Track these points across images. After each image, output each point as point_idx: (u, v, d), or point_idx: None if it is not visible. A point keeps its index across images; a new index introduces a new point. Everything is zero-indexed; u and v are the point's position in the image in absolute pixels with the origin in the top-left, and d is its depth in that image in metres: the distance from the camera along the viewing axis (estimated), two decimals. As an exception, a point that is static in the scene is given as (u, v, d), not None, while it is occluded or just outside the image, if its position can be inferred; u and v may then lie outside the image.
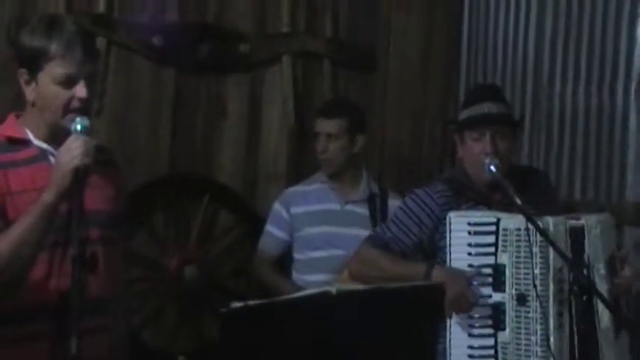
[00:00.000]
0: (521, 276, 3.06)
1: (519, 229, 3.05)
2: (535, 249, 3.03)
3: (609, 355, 3.07)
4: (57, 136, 2.55)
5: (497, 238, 3.10)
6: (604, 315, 3.06)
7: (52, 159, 2.55)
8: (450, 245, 3.15)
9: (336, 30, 4.86)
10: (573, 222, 3.12)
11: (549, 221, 3.06)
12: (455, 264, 3.14)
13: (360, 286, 2.94)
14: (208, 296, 4.48)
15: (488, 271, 3.11)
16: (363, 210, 4.22)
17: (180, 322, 4.46)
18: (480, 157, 3.22)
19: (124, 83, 4.43)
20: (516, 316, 3.06)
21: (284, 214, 4.25)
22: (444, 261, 3.16)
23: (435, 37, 5.04)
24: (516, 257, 3.07)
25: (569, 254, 3.00)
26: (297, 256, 4.24)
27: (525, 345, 3.05)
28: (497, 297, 3.09)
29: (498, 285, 3.09)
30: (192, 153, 4.60)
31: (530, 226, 2.98)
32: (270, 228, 4.28)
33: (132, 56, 4.45)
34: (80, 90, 2.52)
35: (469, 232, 3.13)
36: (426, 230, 3.28)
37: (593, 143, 4.33)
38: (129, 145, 4.39)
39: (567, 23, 4.48)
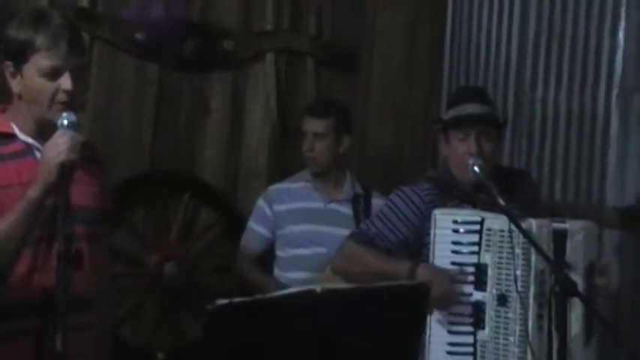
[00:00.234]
0: (503, 276, 3.06)
1: (503, 230, 3.06)
2: (518, 250, 3.03)
3: (576, 360, 3.10)
4: (43, 130, 2.55)
5: (480, 238, 3.11)
6: (576, 322, 3.08)
7: (37, 154, 2.55)
8: (434, 242, 3.15)
9: (320, 29, 4.88)
10: (557, 225, 3.13)
11: (532, 223, 3.07)
12: (438, 261, 3.14)
13: (344, 285, 2.94)
14: (188, 293, 4.47)
15: (471, 269, 3.11)
16: (346, 209, 4.23)
17: (160, 318, 4.45)
18: (465, 157, 3.23)
19: (107, 79, 4.42)
20: (496, 316, 3.07)
21: (267, 211, 4.25)
22: (428, 257, 3.17)
23: (419, 38, 5.06)
24: (499, 257, 3.07)
25: (551, 257, 3.00)
26: (279, 253, 4.25)
27: (504, 345, 3.06)
28: (478, 296, 3.10)
29: (480, 284, 3.10)
30: (175, 149, 4.60)
31: (513, 227, 2.98)
32: (253, 225, 4.29)
33: (115, 52, 4.45)
34: (65, 82, 2.51)
35: (454, 230, 3.14)
36: (412, 227, 3.29)
37: (575, 147, 4.33)
38: (111, 140, 4.40)
39: (550, 27, 4.49)
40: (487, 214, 3.13)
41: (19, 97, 2.57)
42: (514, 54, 4.65)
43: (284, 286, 3.95)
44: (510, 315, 3.05)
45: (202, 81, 4.66)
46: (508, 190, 3.14)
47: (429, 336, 3.12)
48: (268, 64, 4.75)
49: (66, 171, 2.40)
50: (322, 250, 4.08)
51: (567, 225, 3.14)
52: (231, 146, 4.73)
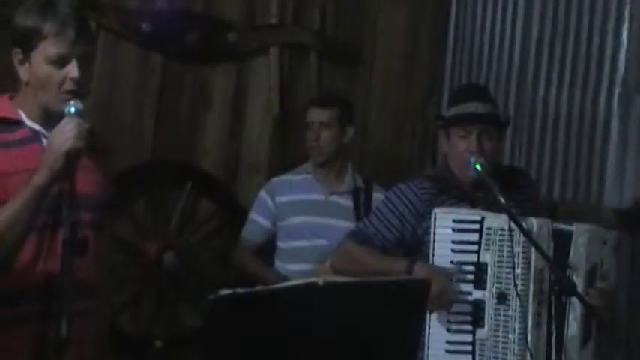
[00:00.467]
0: (503, 275, 3.09)
1: (503, 229, 3.08)
2: (517, 249, 3.06)
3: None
4: (50, 117, 2.55)
5: (480, 237, 3.12)
6: (574, 323, 3.10)
7: (44, 141, 2.55)
8: (434, 241, 3.17)
9: (323, 24, 4.89)
10: (563, 226, 3.15)
11: (533, 222, 3.10)
12: (438, 259, 3.16)
13: (346, 278, 2.93)
14: (186, 283, 4.49)
15: (471, 268, 3.13)
16: (347, 202, 4.26)
17: (158, 307, 4.47)
18: (465, 155, 3.24)
19: (111, 67, 4.42)
20: (495, 314, 3.10)
21: (269, 202, 4.28)
22: (428, 255, 3.18)
23: (422, 35, 5.08)
24: (498, 256, 3.10)
25: (551, 256, 3.03)
26: (280, 244, 4.28)
27: (503, 342, 3.08)
28: (477, 294, 3.12)
29: (479, 282, 3.12)
30: (176, 140, 4.61)
31: (513, 226, 3.00)
32: (254, 216, 4.32)
33: (119, 41, 4.45)
34: (72, 69, 2.52)
35: (453, 229, 3.16)
36: (408, 226, 3.31)
37: (574, 147, 4.37)
38: (113, 129, 4.38)
39: (553, 28, 4.52)
40: (487, 213, 3.15)
41: (27, 84, 2.58)
42: (517, 53, 4.69)
43: (284, 278, 4.01)
44: (510, 313, 3.07)
45: (205, 72, 4.67)
46: (508, 188, 3.15)
47: (428, 334, 3.15)
48: (272, 58, 4.76)
49: (72, 159, 2.41)
50: (323, 242, 4.12)
51: (573, 227, 3.15)
52: (232, 138, 4.74)
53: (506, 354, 3.08)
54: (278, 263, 4.28)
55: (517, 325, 3.06)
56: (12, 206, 2.42)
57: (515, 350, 3.06)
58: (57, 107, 2.53)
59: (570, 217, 3.32)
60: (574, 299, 3.02)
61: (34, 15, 2.54)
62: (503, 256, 3.09)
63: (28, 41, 2.54)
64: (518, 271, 3.06)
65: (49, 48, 2.51)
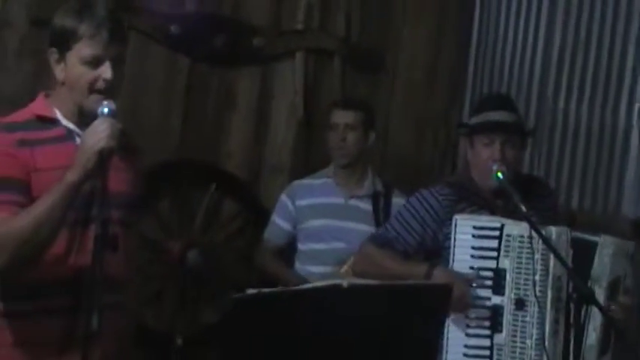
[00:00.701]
0: (521, 281, 3.12)
1: (522, 236, 3.11)
2: (536, 256, 3.09)
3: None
4: (84, 117, 2.59)
5: (500, 243, 3.15)
6: (593, 332, 3.12)
7: (77, 139, 2.59)
8: (454, 247, 3.20)
9: (348, 31, 4.92)
10: (589, 237, 3.18)
11: (552, 230, 3.13)
12: (458, 265, 3.19)
13: (370, 281, 2.95)
14: (209, 281, 4.53)
15: (489, 274, 3.16)
16: (366, 205, 4.30)
17: (180, 305, 4.49)
18: (488, 162, 3.27)
19: (139, 68, 4.46)
20: (513, 320, 3.13)
21: (289, 205, 4.33)
22: (448, 260, 3.22)
23: (444, 44, 5.10)
24: (517, 263, 3.13)
25: (569, 264, 3.05)
26: (300, 247, 4.33)
27: (520, 348, 3.12)
28: (496, 300, 3.15)
29: (498, 288, 3.15)
30: (201, 141, 4.65)
31: (533, 233, 3.04)
32: (275, 218, 4.37)
33: (148, 42, 4.50)
34: (105, 71, 2.56)
35: (473, 235, 3.19)
36: (429, 231, 3.34)
37: (594, 158, 4.40)
38: (140, 129, 4.40)
39: (575, 39, 4.55)
40: (507, 221, 3.17)
41: (62, 83, 2.62)
42: (538, 63, 4.71)
43: (304, 280, 4.05)
44: (527, 319, 3.11)
45: (231, 75, 4.71)
46: (527, 197, 3.16)
47: (447, 338, 3.17)
48: (297, 62, 4.80)
49: (104, 158, 2.45)
50: (341, 244, 4.16)
51: (600, 239, 3.18)
52: (256, 141, 4.78)
53: (524, 359, 3.10)
54: (298, 265, 4.32)
55: (535, 331, 3.09)
56: (45, 202, 2.46)
57: (532, 356, 3.10)
58: (90, 107, 2.57)
59: (587, 227, 3.32)
60: (594, 309, 3.04)
61: (71, 16, 2.58)
62: (522, 262, 3.13)
63: (64, 42, 2.58)
64: (536, 277, 3.08)
65: (83, 49, 2.56)
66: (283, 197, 4.37)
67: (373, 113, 4.43)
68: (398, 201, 4.16)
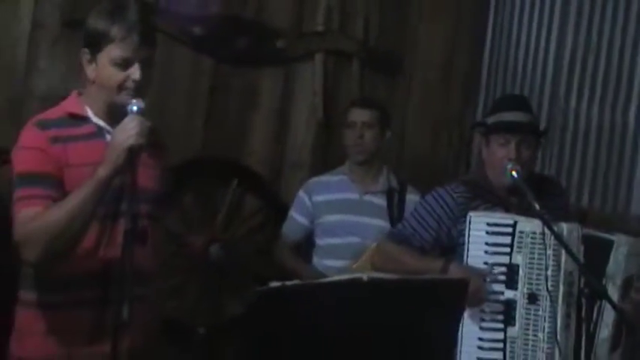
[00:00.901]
0: (534, 276, 3.17)
1: (534, 233, 3.17)
2: (549, 252, 3.14)
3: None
4: (114, 114, 2.66)
5: (513, 240, 3.21)
6: (605, 328, 3.17)
7: (108, 136, 2.67)
8: (468, 242, 3.25)
9: (366, 34, 4.97)
10: (604, 235, 3.23)
11: (564, 227, 3.17)
12: (472, 260, 3.24)
13: (389, 275, 2.94)
14: (230, 275, 4.58)
15: (503, 269, 3.21)
16: (380, 201, 4.36)
17: (202, 297, 4.55)
18: (503, 161, 3.30)
19: (164, 69, 4.45)
20: (526, 313, 3.18)
21: (307, 201, 4.41)
22: (462, 256, 3.27)
23: (459, 48, 5.14)
24: (530, 258, 3.18)
25: (581, 260, 3.08)
26: (317, 241, 4.40)
27: (533, 340, 3.17)
28: (509, 294, 3.20)
29: (511, 283, 3.20)
30: (224, 139, 4.69)
31: (545, 230, 3.08)
32: (293, 214, 4.44)
33: (173, 43, 4.53)
34: (135, 72, 2.63)
35: (487, 232, 3.24)
36: (444, 227, 3.40)
37: (604, 158, 4.43)
38: (165, 127, 4.40)
39: (587, 41, 4.58)
40: (520, 218, 3.22)
41: (93, 82, 2.69)
42: (550, 66, 4.75)
43: (321, 274, 4.14)
44: (540, 313, 3.16)
45: (253, 76, 4.75)
46: (540, 195, 3.17)
47: (462, 331, 3.21)
48: (317, 64, 4.86)
49: (133, 154, 2.51)
50: (356, 239, 4.23)
51: (615, 237, 3.22)
52: (277, 139, 4.84)
53: (536, 352, 3.16)
54: (315, 259, 4.39)
55: (547, 325, 3.14)
56: (76, 196, 2.53)
57: (545, 348, 3.15)
58: (118, 104, 2.63)
59: (598, 225, 3.37)
60: (607, 305, 3.08)
61: (104, 19, 2.64)
62: (534, 258, 3.18)
63: (96, 43, 2.65)
64: (548, 273, 3.13)
65: (114, 51, 2.62)
66: (301, 193, 4.45)
67: (388, 113, 4.50)
68: (412, 197, 4.27)
